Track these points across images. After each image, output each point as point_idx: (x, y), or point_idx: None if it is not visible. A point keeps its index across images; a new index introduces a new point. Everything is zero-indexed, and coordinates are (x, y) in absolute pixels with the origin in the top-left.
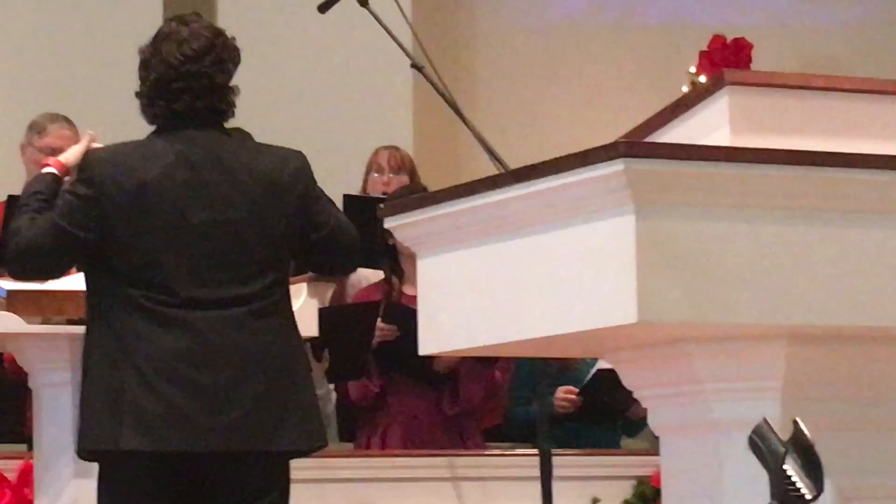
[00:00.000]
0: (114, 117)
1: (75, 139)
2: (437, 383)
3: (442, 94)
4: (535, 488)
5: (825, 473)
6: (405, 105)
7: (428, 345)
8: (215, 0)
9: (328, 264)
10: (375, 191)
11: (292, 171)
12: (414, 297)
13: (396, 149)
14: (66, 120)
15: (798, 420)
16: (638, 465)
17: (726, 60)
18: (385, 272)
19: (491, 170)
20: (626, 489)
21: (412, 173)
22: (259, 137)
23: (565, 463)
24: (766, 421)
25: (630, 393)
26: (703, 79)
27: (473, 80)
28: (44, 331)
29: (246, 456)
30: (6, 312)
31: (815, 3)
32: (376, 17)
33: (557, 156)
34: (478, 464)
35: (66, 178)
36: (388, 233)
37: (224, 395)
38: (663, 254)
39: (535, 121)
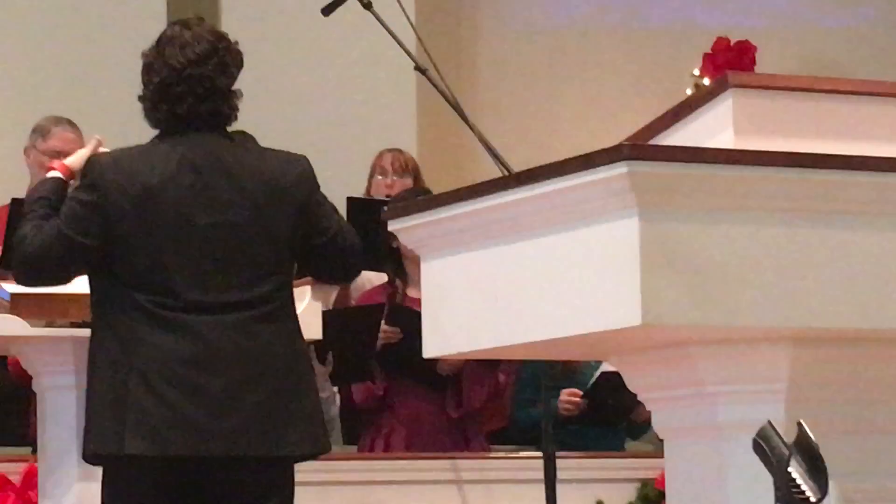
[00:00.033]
0: (118, 121)
1: (79, 142)
2: (440, 386)
3: (445, 97)
4: (540, 491)
5: (829, 476)
6: (409, 108)
7: (432, 347)
8: (219, 3)
9: (330, 270)
10: (379, 193)
11: (296, 174)
12: (417, 300)
13: (400, 151)
14: (70, 123)
15: (802, 422)
16: (642, 468)
17: (730, 63)
18: (389, 275)
19: (494, 172)
20: (630, 492)
21: (416, 176)
22: (262, 140)
23: (569, 465)
24: (770, 423)
25: (634, 395)
26: (706, 81)
27: (477, 83)
28: (48, 334)
29: (249, 460)
30: (10, 315)
31: (818, 5)
32: (380, 20)
33: (561, 158)
34: (482, 466)
35: (72, 182)
36: (392, 235)
37: (228, 399)
38: (667, 256)
39: (539, 123)
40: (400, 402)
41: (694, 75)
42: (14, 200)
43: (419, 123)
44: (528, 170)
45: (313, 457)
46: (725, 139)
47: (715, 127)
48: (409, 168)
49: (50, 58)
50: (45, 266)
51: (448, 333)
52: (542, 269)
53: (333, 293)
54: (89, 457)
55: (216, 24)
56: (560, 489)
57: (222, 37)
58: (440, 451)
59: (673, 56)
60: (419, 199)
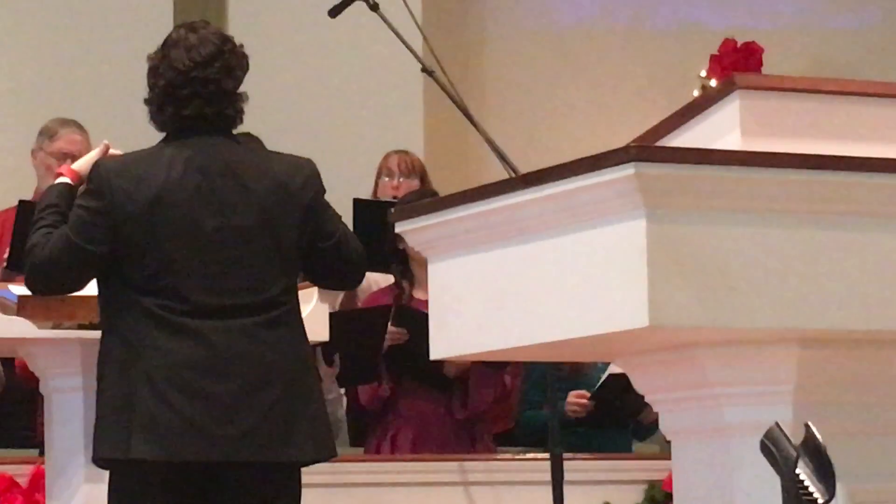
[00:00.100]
0: (124, 123)
1: (86, 144)
2: (447, 387)
3: (452, 99)
4: (547, 492)
5: (837, 477)
6: (415, 109)
7: (439, 349)
8: (226, 5)
9: (331, 276)
10: (386, 195)
11: (303, 178)
12: (424, 302)
13: (407, 153)
14: (77, 125)
15: (810, 424)
16: (649, 469)
17: (737, 64)
18: (395, 276)
19: (501, 174)
20: (637, 493)
21: (422, 177)
22: (269, 142)
23: (577, 467)
24: (777, 425)
25: (641, 397)
26: (713, 83)
27: (484, 84)
28: (55, 336)
29: (256, 466)
30: (17, 317)
31: (825, 6)
32: (387, 22)
33: (568, 160)
34: (489, 468)
35: (81, 187)
36: (399, 237)
37: (234, 404)
38: (674, 257)
39: (546, 125)
40: (406, 403)
41: (701, 77)
42: (21, 202)
43: (426, 125)
44: (535, 171)
45: (319, 462)
46: (733, 140)
47: (722, 128)
48: (415, 169)
49: (57, 60)
50: (55, 274)
51: (455, 335)
52: (550, 270)
53: (340, 295)
54: (98, 461)
55: (223, 26)
56: (567, 491)
57: (227, 39)
58: (447, 453)
59: (680, 58)
60: (426, 200)
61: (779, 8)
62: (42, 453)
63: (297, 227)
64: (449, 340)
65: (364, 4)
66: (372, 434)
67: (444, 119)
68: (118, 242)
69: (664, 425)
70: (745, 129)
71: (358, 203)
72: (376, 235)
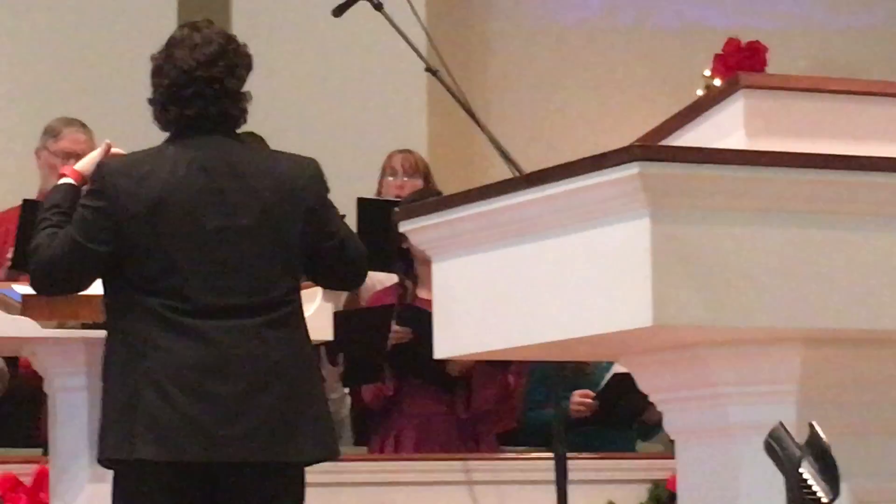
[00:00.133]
0: (128, 122)
1: (90, 143)
2: (450, 386)
3: (456, 98)
4: (551, 492)
5: (841, 477)
6: (419, 109)
7: (442, 348)
8: (229, 4)
9: (335, 276)
10: (390, 194)
11: (306, 178)
12: (428, 301)
13: (410, 152)
14: (81, 124)
15: (814, 423)
16: (653, 469)
17: (741, 63)
18: (399, 276)
19: (505, 173)
20: (641, 493)
21: (426, 177)
22: (273, 141)
23: (581, 467)
24: (781, 424)
25: (645, 396)
26: (717, 82)
27: (488, 84)
28: (59, 335)
29: (259, 466)
30: (21, 317)
31: (829, 6)
32: (391, 21)
33: (572, 159)
34: (493, 467)
35: (84, 187)
36: (403, 236)
37: (238, 405)
38: (678, 257)
39: (550, 124)
40: (410, 402)
41: (705, 76)
42: (26, 202)
43: (430, 124)
44: (539, 171)
45: (322, 462)
46: (737, 140)
47: (726, 127)
48: (419, 169)
49: (60, 59)
50: (59, 274)
51: (458, 334)
52: (553, 269)
53: (344, 294)
54: (102, 461)
55: (227, 26)
56: (571, 490)
57: (231, 38)
58: (450, 452)
59: (684, 57)
60: (430, 200)
61: (782, 7)
62: (46, 452)
63: (300, 227)
64: (452, 340)
65: (368, 4)
66: (375, 433)
67: (448, 119)
68: (122, 242)
69: (668, 425)
70: (749, 129)
71: (362, 202)
72: (380, 235)
